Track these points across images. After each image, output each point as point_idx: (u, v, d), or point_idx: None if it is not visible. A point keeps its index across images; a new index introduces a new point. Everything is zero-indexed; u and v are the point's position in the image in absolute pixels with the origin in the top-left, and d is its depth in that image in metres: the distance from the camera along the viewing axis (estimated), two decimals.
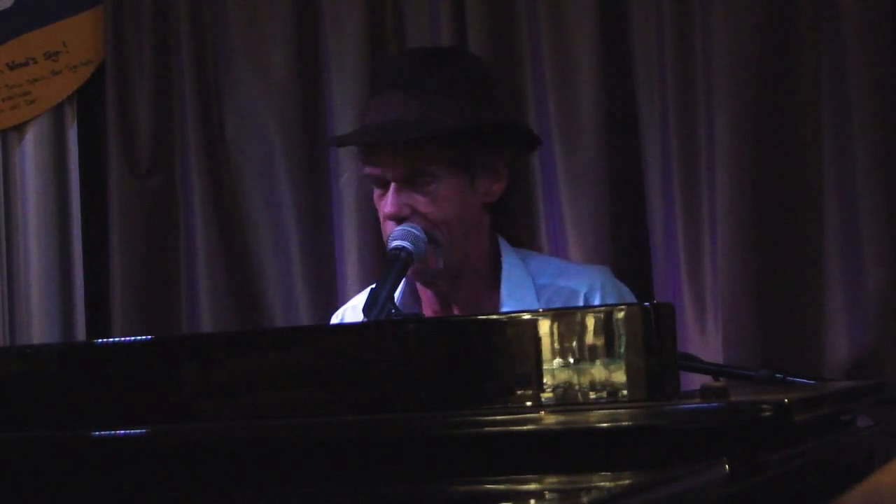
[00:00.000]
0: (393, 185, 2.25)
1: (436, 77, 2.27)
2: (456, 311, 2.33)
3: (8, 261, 3.49)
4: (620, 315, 1.33)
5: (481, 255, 2.33)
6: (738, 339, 2.81)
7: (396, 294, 2.34)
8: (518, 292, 2.30)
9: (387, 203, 2.25)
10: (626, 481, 1.24)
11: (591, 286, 2.32)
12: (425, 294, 2.36)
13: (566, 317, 1.35)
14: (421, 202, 2.25)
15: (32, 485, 1.44)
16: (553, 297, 2.30)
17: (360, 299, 2.25)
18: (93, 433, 1.43)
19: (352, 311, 2.41)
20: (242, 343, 1.50)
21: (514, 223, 2.44)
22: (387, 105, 2.26)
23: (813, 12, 2.84)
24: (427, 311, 2.36)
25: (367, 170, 2.29)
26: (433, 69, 2.29)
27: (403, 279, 2.32)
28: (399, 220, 2.24)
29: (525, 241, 2.44)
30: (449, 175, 2.25)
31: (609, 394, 1.32)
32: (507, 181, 2.33)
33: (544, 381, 1.33)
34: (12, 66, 3.49)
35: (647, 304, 1.35)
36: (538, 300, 2.30)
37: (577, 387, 1.33)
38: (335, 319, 2.50)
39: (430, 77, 2.27)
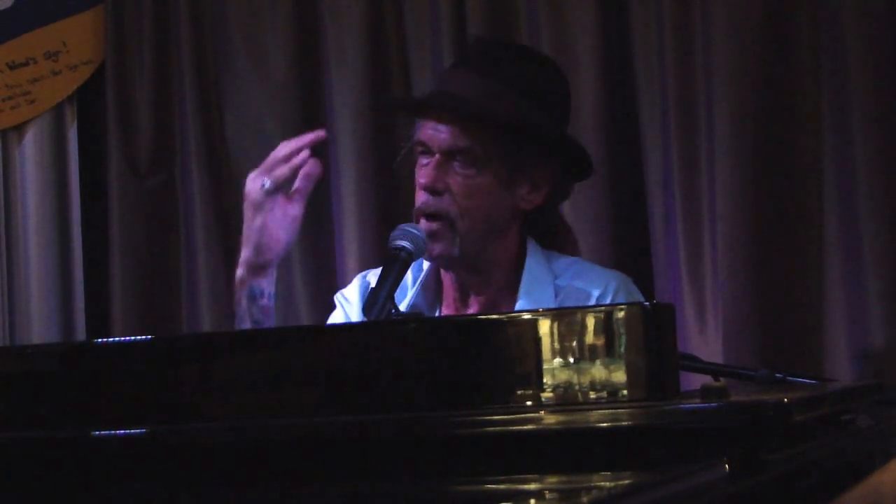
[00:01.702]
0: (436, 157, 2.25)
1: (516, 70, 2.28)
2: (473, 305, 2.33)
3: (8, 261, 3.48)
4: (620, 315, 1.33)
5: (506, 257, 2.32)
6: (738, 339, 2.81)
7: (420, 276, 2.35)
8: (536, 291, 2.30)
9: (425, 173, 2.26)
10: (626, 481, 1.24)
11: (604, 290, 2.30)
12: (447, 280, 2.36)
13: (566, 317, 1.35)
14: (456, 183, 2.25)
15: (32, 485, 1.44)
16: (566, 298, 2.30)
17: (374, 276, 2.25)
18: (93, 433, 1.43)
19: (374, 275, 2.37)
20: (242, 343, 1.51)
21: (550, 236, 2.41)
22: (460, 78, 2.28)
23: (812, 13, 2.84)
24: (446, 297, 2.36)
25: (419, 135, 2.28)
26: (517, 62, 2.30)
27: (428, 265, 2.33)
28: (433, 192, 2.24)
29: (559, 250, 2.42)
30: (491, 166, 2.25)
31: (609, 394, 1.32)
32: (547, 195, 2.32)
33: (544, 381, 1.33)
34: (12, 66, 3.49)
35: (647, 304, 1.35)
36: (555, 299, 2.30)
37: (577, 387, 1.33)
38: (355, 282, 2.46)
39: (512, 68, 2.28)
